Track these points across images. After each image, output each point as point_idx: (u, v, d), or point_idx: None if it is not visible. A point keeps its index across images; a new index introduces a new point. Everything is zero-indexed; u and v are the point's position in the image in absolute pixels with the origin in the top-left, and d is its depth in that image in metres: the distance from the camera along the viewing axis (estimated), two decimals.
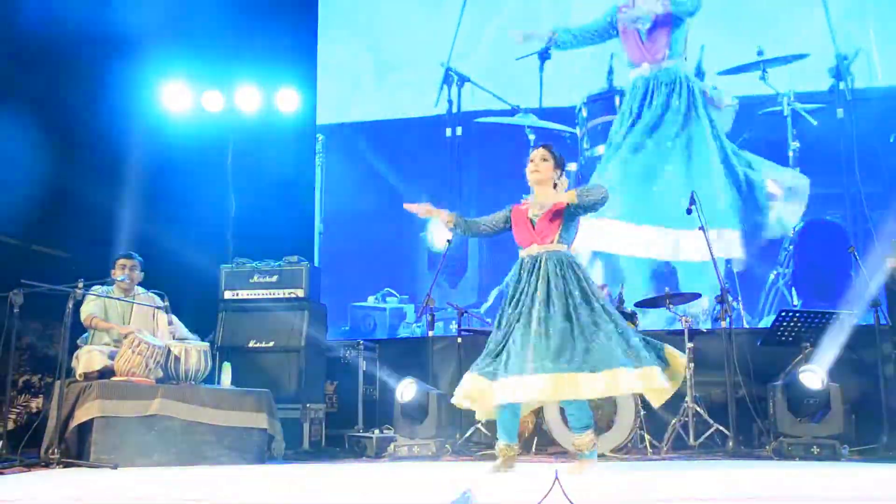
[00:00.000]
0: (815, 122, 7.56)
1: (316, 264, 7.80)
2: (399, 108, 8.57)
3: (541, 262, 4.31)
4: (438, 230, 8.07)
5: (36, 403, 7.11)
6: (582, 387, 4.04)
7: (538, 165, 4.45)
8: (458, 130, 8.33)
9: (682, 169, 7.63)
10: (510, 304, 4.34)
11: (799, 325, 5.97)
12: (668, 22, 7.85)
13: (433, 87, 8.39)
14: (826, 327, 5.89)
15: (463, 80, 8.33)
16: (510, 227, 4.55)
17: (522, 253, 4.44)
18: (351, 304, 8.21)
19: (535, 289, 4.25)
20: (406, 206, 4.70)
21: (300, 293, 6.83)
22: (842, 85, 7.56)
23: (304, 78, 8.54)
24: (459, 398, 4.31)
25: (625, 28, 7.41)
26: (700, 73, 7.82)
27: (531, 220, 4.44)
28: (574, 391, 4.07)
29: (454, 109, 8.35)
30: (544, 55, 8.20)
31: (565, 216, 4.38)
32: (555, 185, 4.45)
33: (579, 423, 4.32)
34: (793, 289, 7.41)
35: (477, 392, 4.22)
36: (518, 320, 4.24)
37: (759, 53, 7.71)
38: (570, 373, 4.05)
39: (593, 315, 4.19)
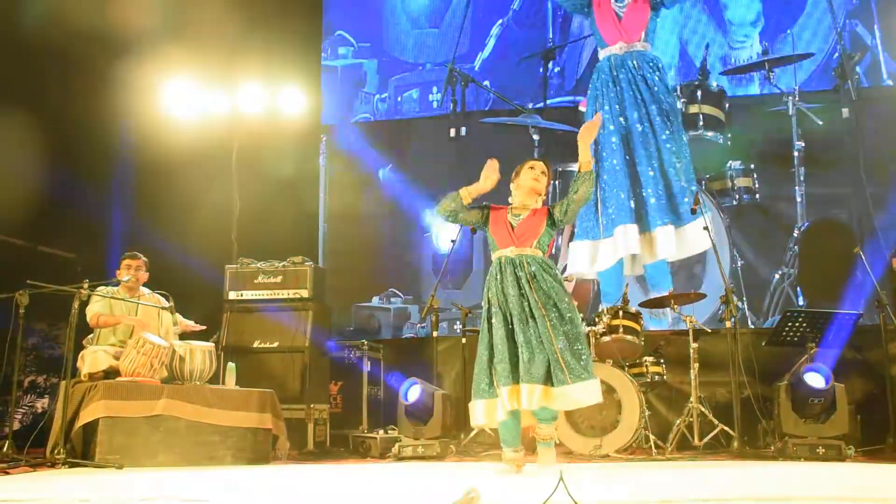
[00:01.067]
0: (820, 122, 7.54)
1: (320, 265, 7.79)
2: (403, 108, 8.58)
3: (515, 266, 4.34)
4: (442, 231, 8.07)
5: (41, 404, 7.13)
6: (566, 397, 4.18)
7: (540, 178, 4.53)
8: (463, 130, 8.33)
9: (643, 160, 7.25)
10: (491, 311, 4.39)
11: (804, 325, 5.96)
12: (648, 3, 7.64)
13: (438, 86, 8.39)
14: (831, 327, 5.88)
15: (467, 80, 8.33)
16: (485, 223, 4.55)
17: (497, 255, 4.45)
18: (355, 305, 8.21)
19: (510, 297, 4.31)
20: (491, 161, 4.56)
21: (304, 293, 6.84)
22: (847, 83, 7.53)
23: (308, 77, 8.54)
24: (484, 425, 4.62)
25: (600, 2, 7.02)
26: (705, 72, 7.79)
27: (510, 223, 4.46)
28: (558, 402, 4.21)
29: (458, 109, 8.35)
30: (548, 55, 8.20)
31: (547, 223, 4.43)
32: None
33: (548, 414, 4.35)
34: (798, 289, 7.40)
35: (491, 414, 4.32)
36: (500, 329, 4.30)
37: (765, 53, 7.69)
38: (556, 386, 4.19)
39: (560, 325, 4.25)
